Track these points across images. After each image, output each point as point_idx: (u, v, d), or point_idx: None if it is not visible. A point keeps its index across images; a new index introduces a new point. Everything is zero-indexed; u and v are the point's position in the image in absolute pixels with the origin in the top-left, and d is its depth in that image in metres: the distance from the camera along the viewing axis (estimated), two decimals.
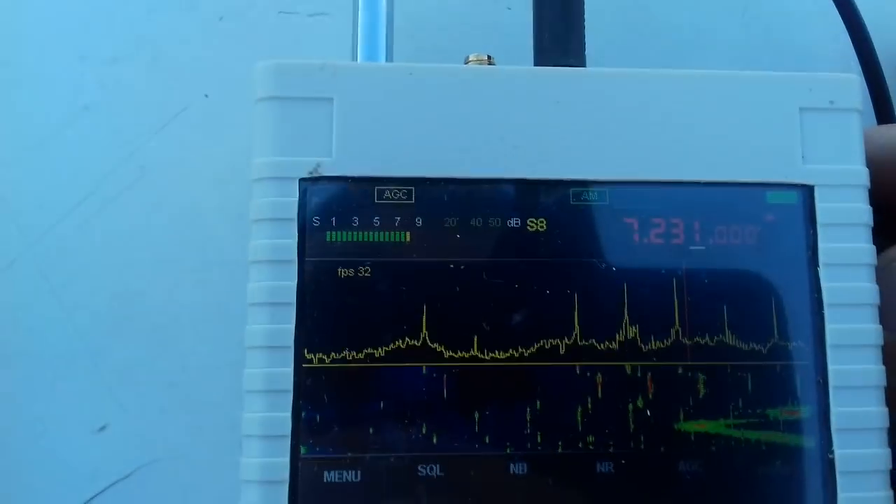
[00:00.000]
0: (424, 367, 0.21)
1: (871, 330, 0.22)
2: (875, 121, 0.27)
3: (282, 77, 0.22)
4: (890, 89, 0.27)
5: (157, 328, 0.27)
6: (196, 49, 0.29)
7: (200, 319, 0.27)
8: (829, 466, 0.21)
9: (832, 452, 0.21)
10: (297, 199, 0.21)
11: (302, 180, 0.21)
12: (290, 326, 0.21)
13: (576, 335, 0.22)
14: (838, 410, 0.21)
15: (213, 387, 0.26)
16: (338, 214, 0.22)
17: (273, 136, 0.22)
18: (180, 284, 0.28)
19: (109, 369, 0.27)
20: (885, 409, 0.22)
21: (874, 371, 0.22)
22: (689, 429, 0.22)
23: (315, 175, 0.21)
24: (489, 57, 0.23)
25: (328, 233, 0.21)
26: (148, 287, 0.28)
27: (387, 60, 0.24)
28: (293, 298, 0.21)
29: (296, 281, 0.21)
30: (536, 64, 0.23)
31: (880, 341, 0.22)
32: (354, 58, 0.24)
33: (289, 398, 0.21)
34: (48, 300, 0.27)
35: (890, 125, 0.26)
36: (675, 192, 0.22)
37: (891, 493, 0.21)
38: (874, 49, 0.27)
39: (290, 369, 0.21)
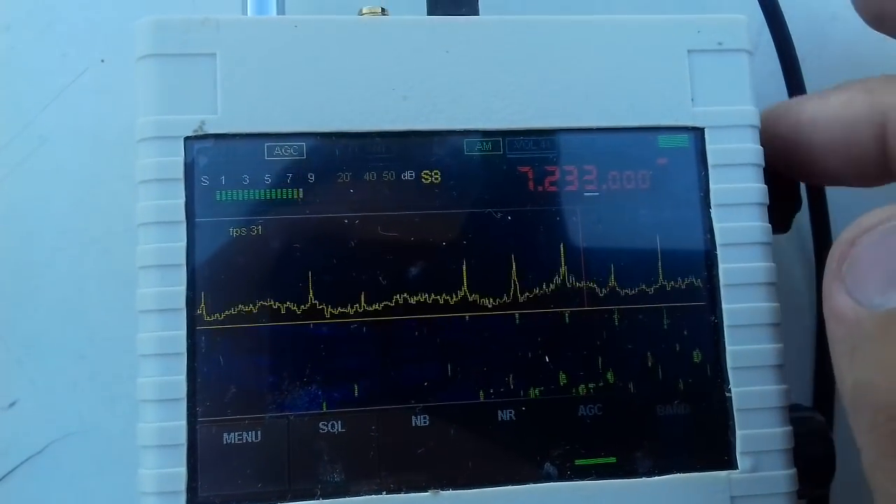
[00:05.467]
0: (321, 324, 0.21)
1: (763, 268, 0.22)
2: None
3: (161, 33, 0.21)
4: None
5: (63, 300, 0.27)
6: (91, 13, 0.28)
7: (108, 289, 0.27)
8: (726, 405, 0.22)
9: (729, 391, 0.22)
10: (182, 158, 0.21)
11: (187, 139, 0.21)
12: (182, 288, 0.21)
13: (473, 285, 0.22)
14: (733, 349, 0.22)
15: (123, 357, 0.26)
16: (227, 173, 0.21)
17: (155, 94, 0.21)
18: (85, 254, 0.27)
19: (17, 343, 0.27)
20: (780, 346, 0.22)
21: (767, 309, 0.22)
22: (586, 374, 0.22)
23: (200, 133, 0.21)
24: (383, 9, 0.23)
25: (218, 192, 0.21)
26: (52, 258, 0.27)
27: (278, 14, 0.23)
28: (183, 260, 0.21)
29: (185, 242, 0.21)
30: (429, 13, 0.23)
31: (773, 279, 0.22)
32: (245, 12, 0.23)
33: (183, 360, 0.20)
34: None
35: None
36: (568, 140, 0.22)
37: (789, 428, 0.22)
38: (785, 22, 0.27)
39: (183, 332, 0.21)
